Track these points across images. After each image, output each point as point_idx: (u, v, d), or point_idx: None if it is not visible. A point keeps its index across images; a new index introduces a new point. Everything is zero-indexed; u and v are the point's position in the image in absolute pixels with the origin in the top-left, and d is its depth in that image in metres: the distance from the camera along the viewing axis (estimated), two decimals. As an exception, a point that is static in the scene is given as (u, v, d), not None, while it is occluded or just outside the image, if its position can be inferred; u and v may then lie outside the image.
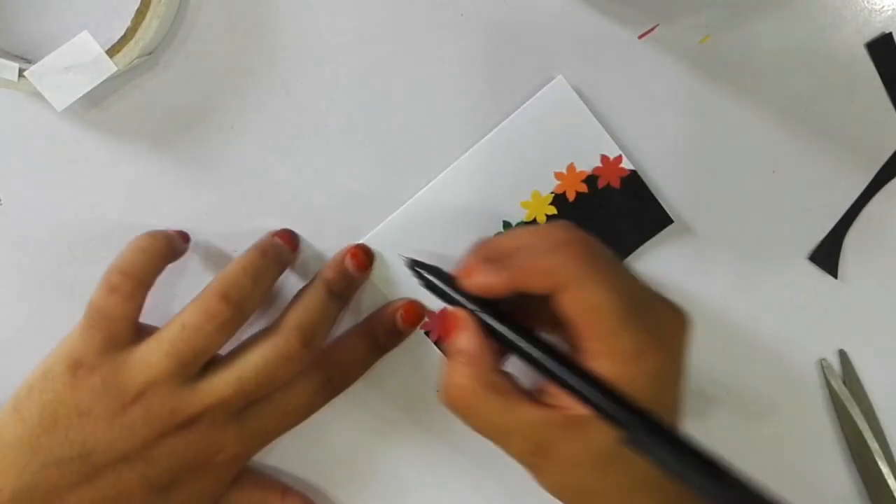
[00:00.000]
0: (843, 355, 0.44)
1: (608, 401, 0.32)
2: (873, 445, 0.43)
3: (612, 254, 0.36)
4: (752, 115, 0.42)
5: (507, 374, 0.36)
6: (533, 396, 0.35)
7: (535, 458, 0.35)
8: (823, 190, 0.43)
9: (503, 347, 0.36)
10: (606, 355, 0.33)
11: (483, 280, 0.35)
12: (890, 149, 0.42)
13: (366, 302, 0.44)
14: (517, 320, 0.35)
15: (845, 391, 0.44)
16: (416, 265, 0.38)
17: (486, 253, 0.37)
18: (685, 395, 0.39)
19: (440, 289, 0.37)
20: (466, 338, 0.36)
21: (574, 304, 0.33)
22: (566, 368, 0.33)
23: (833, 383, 0.44)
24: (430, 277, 0.37)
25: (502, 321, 0.35)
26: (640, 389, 0.33)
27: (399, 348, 0.44)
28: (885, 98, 0.42)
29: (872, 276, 0.43)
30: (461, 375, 0.35)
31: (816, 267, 0.43)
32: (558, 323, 0.35)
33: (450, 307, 0.36)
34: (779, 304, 0.44)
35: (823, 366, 0.44)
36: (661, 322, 0.35)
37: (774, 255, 0.43)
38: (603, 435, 0.33)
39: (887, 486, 0.43)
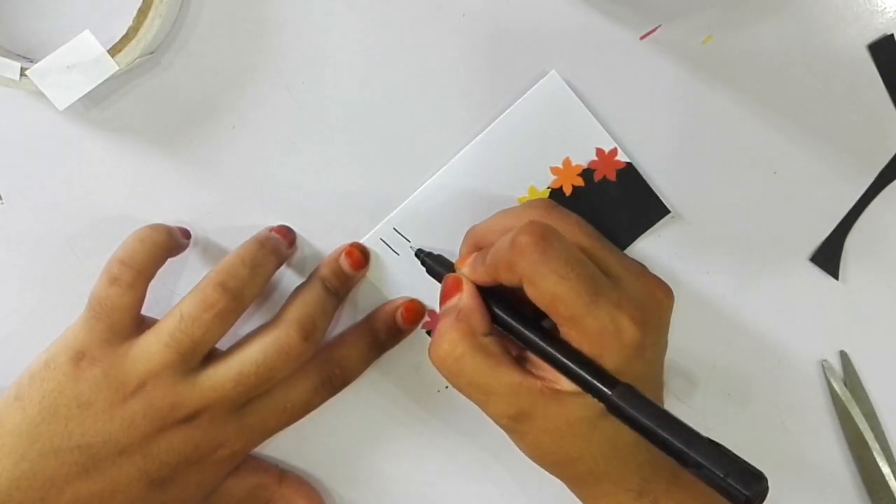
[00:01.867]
0: (844, 356, 0.44)
1: (590, 375, 0.35)
2: (874, 446, 0.43)
3: (583, 233, 0.38)
4: (753, 115, 0.42)
5: (496, 339, 0.38)
6: (520, 363, 0.37)
7: (515, 422, 0.37)
8: (824, 191, 0.42)
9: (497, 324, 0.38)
10: (581, 336, 0.35)
11: (469, 273, 0.38)
12: (891, 150, 0.42)
13: (366, 301, 0.44)
14: (512, 301, 0.37)
15: (846, 392, 0.44)
16: (421, 253, 0.42)
17: (475, 240, 0.40)
18: (665, 368, 0.40)
19: (442, 274, 0.40)
20: (463, 298, 0.38)
21: (535, 297, 0.35)
22: (553, 347, 0.36)
23: (834, 384, 0.44)
24: (433, 264, 0.41)
25: (496, 301, 0.38)
26: (622, 362, 0.35)
27: (399, 347, 0.44)
28: (886, 99, 0.41)
29: (873, 277, 0.43)
30: (453, 330, 0.37)
31: (817, 268, 0.43)
32: None
33: (453, 273, 0.39)
34: (779, 305, 0.44)
35: (825, 367, 0.44)
36: (638, 297, 0.37)
37: (775, 256, 0.43)
38: (581, 406, 0.35)
39: (888, 487, 0.43)
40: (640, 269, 0.39)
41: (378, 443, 0.45)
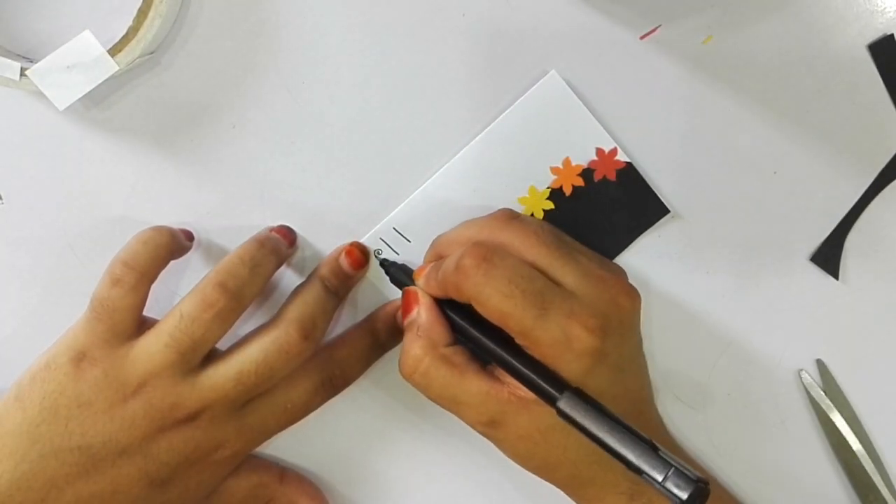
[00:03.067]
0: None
1: (540, 379, 0.35)
2: (858, 450, 0.43)
3: (541, 242, 0.37)
4: (753, 115, 0.42)
5: (460, 349, 0.38)
6: (487, 371, 0.38)
7: (489, 429, 0.38)
8: (824, 191, 0.42)
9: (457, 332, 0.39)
10: (535, 347, 0.36)
11: (423, 285, 0.39)
12: (891, 150, 0.42)
13: (366, 301, 0.44)
14: (471, 310, 0.38)
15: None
16: (385, 262, 0.42)
17: (438, 251, 0.41)
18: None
19: (405, 284, 0.41)
20: (420, 312, 0.39)
21: (485, 314, 0.36)
22: (509, 354, 0.36)
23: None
24: (394, 273, 0.42)
25: (454, 308, 0.38)
26: (581, 370, 0.35)
27: (400, 347, 0.44)
28: (886, 99, 0.41)
29: (873, 277, 0.43)
30: (416, 346, 0.38)
31: (817, 268, 0.43)
32: None
33: (411, 287, 0.40)
34: (779, 305, 0.44)
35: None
36: (595, 304, 0.37)
37: (775, 256, 0.43)
38: (549, 414, 0.35)
39: (878, 490, 0.43)
40: (603, 275, 0.38)
41: (378, 443, 0.45)
